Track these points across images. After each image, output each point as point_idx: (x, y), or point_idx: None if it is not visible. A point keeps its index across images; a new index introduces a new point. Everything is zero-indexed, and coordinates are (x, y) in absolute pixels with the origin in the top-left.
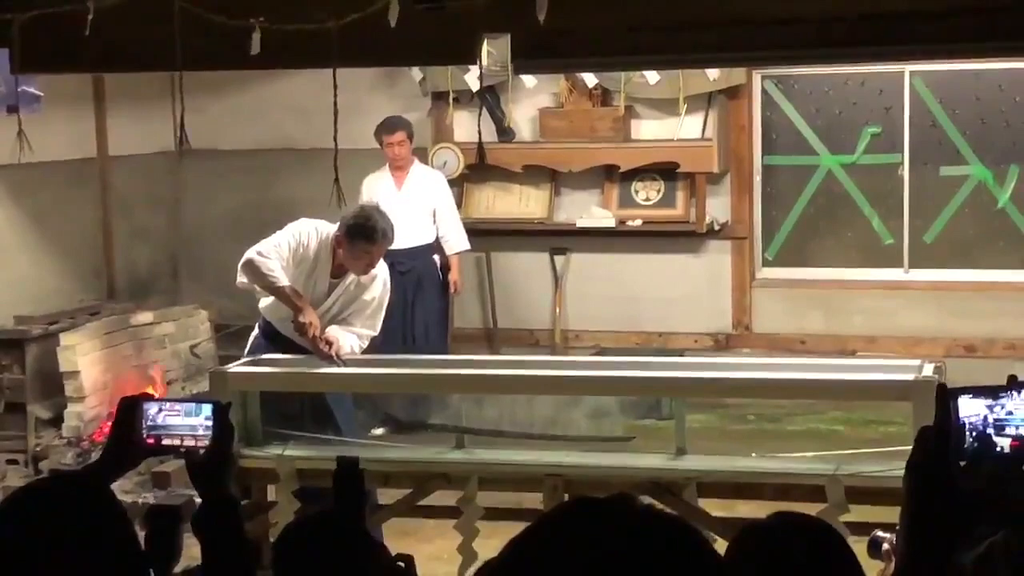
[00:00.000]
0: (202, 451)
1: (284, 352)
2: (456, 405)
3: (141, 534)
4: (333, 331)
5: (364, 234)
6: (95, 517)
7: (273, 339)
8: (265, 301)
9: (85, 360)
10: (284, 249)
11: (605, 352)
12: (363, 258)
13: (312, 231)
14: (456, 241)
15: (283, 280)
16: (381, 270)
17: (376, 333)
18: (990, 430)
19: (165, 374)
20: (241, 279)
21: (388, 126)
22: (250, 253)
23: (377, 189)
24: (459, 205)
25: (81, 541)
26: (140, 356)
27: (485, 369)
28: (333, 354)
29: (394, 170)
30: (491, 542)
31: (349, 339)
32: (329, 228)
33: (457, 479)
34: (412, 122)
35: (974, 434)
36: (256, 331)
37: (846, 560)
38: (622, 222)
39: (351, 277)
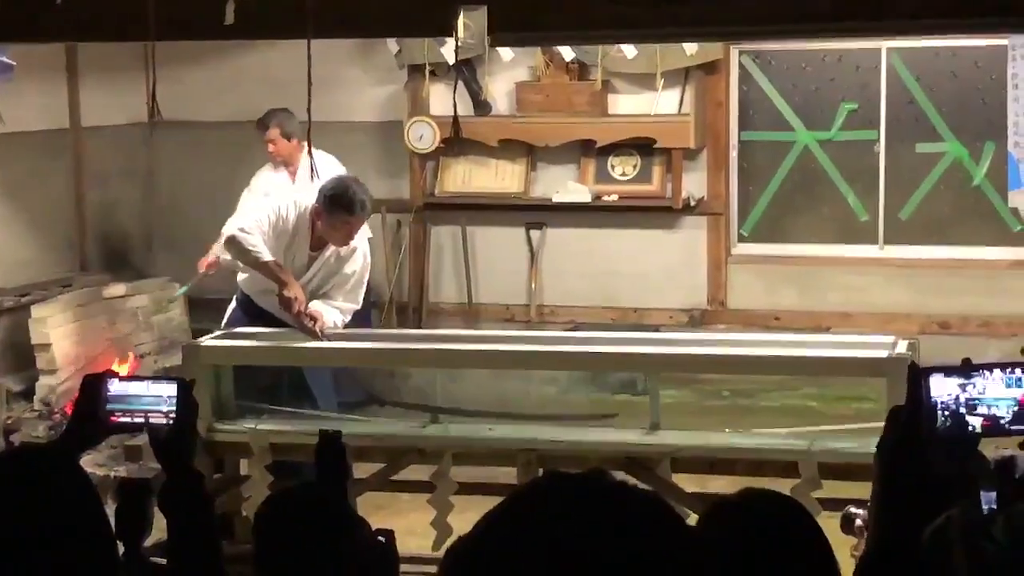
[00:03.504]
0: (165, 428)
1: (262, 325)
2: (425, 379)
3: (111, 507)
4: (316, 306)
5: (343, 204)
6: (63, 489)
7: (251, 312)
8: (243, 274)
9: (57, 332)
10: (264, 223)
11: (580, 327)
12: (342, 229)
13: (291, 203)
14: None
15: (267, 255)
16: (361, 243)
17: (358, 307)
18: (962, 409)
19: (138, 348)
20: (225, 255)
21: (259, 123)
22: (232, 230)
23: (269, 185)
24: (435, 179)
25: (49, 513)
26: (113, 329)
27: (460, 344)
28: (317, 329)
29: (285, 166)
30: (465, 516)
31: (332, 314)
32: (307, 200)
33: (431, 454)
34: (388, 95)
35: (946, 413)
36: (233, 303)
37: (813, 536)
38: (598, 197)
39: (331, 250)
